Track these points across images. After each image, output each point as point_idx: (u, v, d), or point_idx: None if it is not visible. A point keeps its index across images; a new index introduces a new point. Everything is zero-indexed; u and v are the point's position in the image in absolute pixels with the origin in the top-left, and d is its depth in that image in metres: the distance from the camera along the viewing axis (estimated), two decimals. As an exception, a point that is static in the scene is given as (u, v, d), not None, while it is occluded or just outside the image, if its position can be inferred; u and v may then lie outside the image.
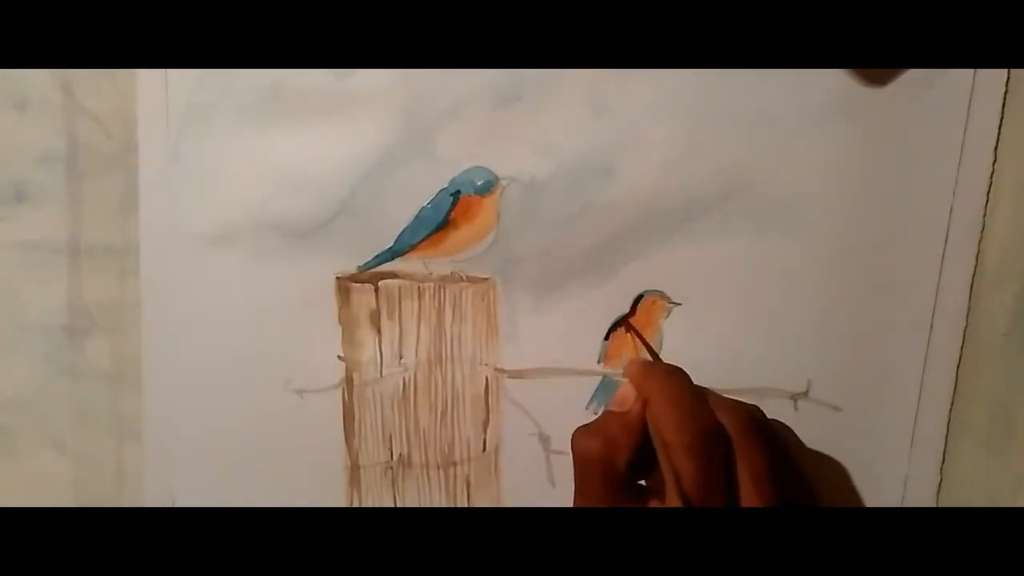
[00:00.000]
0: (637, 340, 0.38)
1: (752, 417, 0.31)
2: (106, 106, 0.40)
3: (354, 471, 0.41)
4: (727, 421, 0.30)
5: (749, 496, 0.29)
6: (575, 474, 0.31)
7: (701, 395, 0.31)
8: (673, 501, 0.29)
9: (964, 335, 0.38)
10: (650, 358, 0.37)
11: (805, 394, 0.39)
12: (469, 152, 0.38)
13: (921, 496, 0.39)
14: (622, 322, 0.39)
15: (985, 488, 0.39)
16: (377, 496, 0.42)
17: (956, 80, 0.36)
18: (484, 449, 0.41)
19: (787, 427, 0.37)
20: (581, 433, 0.31)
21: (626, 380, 0.32)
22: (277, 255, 0.40)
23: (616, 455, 0.30)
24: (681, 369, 0.32)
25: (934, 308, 0.37)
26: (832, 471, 0.39)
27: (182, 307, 0.41)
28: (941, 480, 0.39)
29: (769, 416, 0.39)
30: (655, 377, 0.31)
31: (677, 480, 0.29)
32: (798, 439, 0.37)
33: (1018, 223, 0.37)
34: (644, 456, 0.31)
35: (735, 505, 0.29)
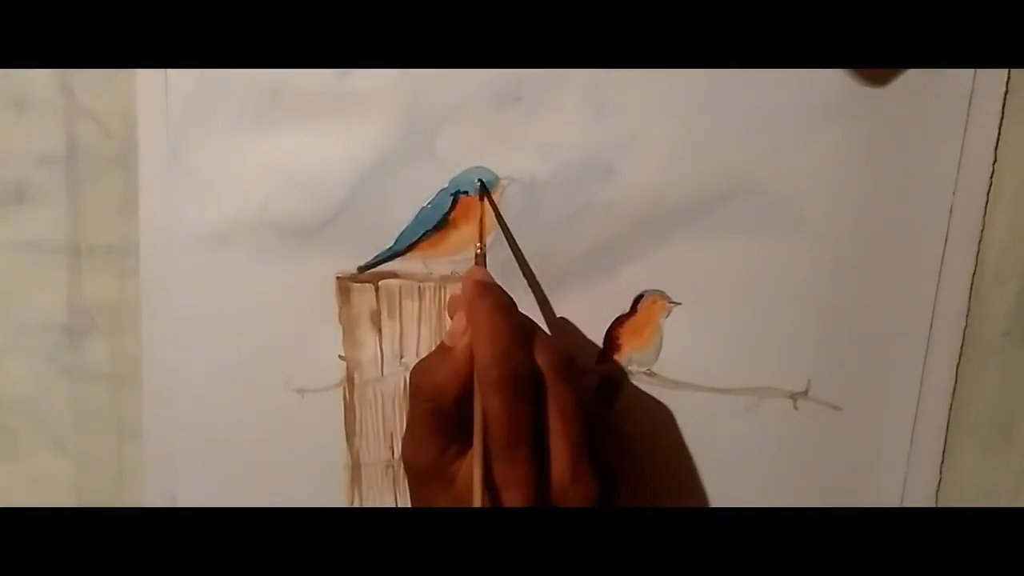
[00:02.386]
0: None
1: (568, 358, 0.30)
2: (106, 106, 0.40)
3: (355, 470, 0.41)
4: (543, 362, 0.29)
5: (557, 436, 0.29)
6: (409, 406, 0.32)
7: (524, 333, 0.30)
8: (476, 438, 0.29)
9: (964, 335, 0.38)
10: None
11: (805, 394, 0.39)
12: (469, 152, 0.38)
13: (921, 496, 0.39)
14: (622, 320, 0.39)
15: (985, 488, 0.39)
16: (378, 495, 0.42)
17: (956, 80, 0.36)
18: (484, 449, 0.41)
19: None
20: (417, 369, 0.31)
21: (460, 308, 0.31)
22: (277, 255, 0.40)
23: (443, 397, 0.30)
24: (510, 299, 0.31)
25: (934, 308, 0.37)
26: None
27: (182, 307, 0.41)
28: (941, 480, 0.39)
29: (768, 416, 0.39)
30: (480, 311, 0.30)
31: (484, 417, 0.29)
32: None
33: (1018, 223, 0.37)
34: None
35: (541, 446, 0.29)
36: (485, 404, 0.29)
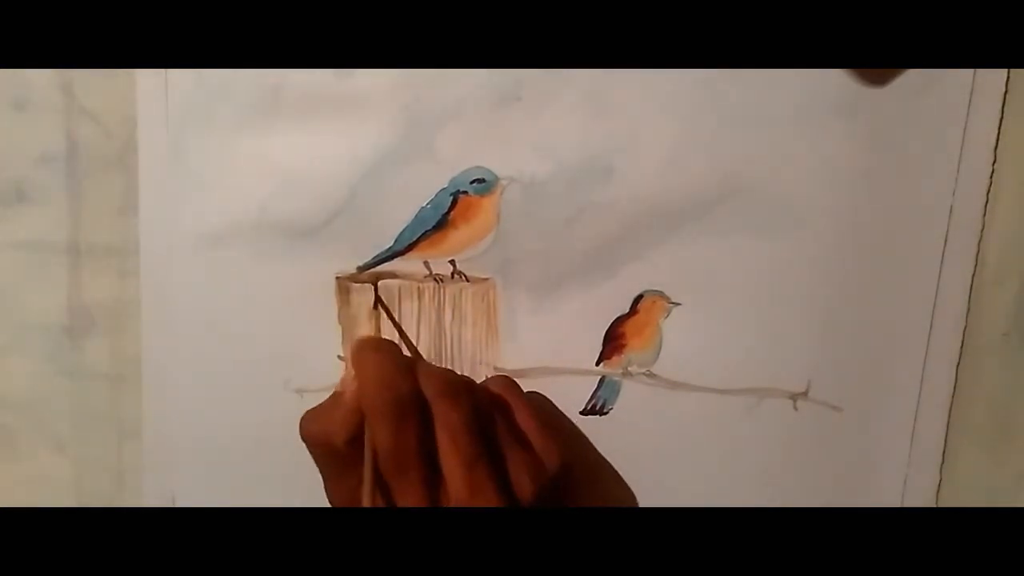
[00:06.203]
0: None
1: (451, 380, 0.31)
2: (106, 106, 0.40)
3: (354, 471, 0.41)
4: (426, 387, 0.30)
5: (447, 454, 0.30)
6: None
7: (405, 365, 0.31)
8: (366, 469, 0.30)
9: (964, 335, 0.38)
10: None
11: (805, 394, 0.39)
12: (469, 152, 0.38)
13: (921, 496, 0.39)
14: (622, 320, 0.39)
15: (985, 488, 0.39)
16: (377, 496, 0.42)
17: (956, 80, 0.36)
18: (484, 449, 0.41)
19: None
20: (305, 417, 0.32)
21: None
22: (277, 255, 0.40)
23: (334, 436, 0.31)
24: (391, 342, 0.32)
25: (934, 308, 0.37)
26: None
27: (182, 307, 0.41)
28: (941, 480, 0.39)
29: (768, 416, 0.39)
30: (363, 353, 0.31)
31: (373, 449, 0.30)
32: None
33: (1018, 223, 0.37)
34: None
35: (432, 469, 0.30)
36: (374, 435, 0.30)
